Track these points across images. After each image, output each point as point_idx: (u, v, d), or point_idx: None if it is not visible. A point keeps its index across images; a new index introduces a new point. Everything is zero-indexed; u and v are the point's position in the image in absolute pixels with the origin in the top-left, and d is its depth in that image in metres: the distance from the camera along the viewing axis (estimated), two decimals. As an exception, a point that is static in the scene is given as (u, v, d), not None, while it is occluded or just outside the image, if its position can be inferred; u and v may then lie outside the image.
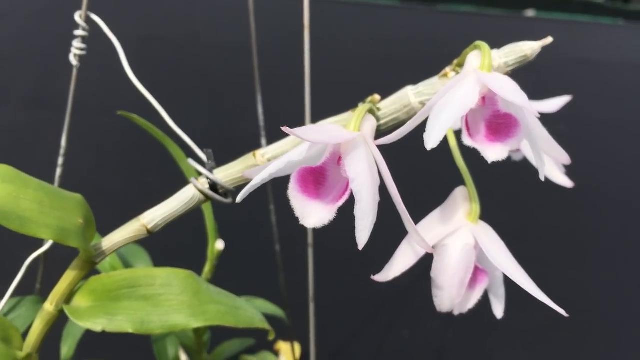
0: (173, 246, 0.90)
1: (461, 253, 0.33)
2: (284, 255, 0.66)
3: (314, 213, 0.30)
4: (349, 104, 0.41)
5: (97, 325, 0.39)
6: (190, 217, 0.56)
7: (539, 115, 0.30)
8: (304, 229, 0.34)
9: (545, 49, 0.39)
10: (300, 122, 0.52)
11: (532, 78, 0.61)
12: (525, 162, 0.42)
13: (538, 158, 0.30)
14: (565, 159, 0.33)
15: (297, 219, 0.31)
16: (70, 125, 0.49)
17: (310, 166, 0.31)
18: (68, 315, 0.39)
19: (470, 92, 0.30)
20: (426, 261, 0.36)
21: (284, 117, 0.49)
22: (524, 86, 0.36)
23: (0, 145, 1.57)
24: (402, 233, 0.34)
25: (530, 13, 4.25)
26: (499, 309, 0.37)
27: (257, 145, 0.65)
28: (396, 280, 0.36)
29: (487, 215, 0.37)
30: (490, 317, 0.39)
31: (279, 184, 0.40)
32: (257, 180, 0.31)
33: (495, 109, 0.30)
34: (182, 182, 0.47)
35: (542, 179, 0.30)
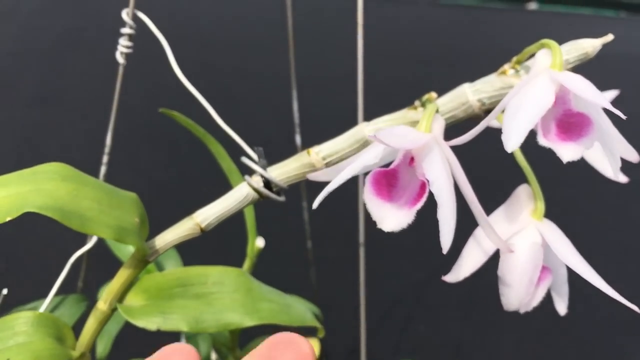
0: (204, 244, 0.90)
1: (529, 252, 0.33)
2: (316, 252, 0.66)
3: (391, 216, 0.30)
4: (398, 99, 0.41)
5: (152, 324, 0.39)
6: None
7: (624, 117, 0.29)
8: (334, 226, 0.34)
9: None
10: (335, 120, 0.52)
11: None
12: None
13: (612, 157, 0.30)
14: (635, 157, 0.33)
15: (327, 217, 0.31)
16: (113, 123, 0.49)
17: (383, 169, 0.31)
18: (122, 314, 0.39)
19: (545, 92, 0.29)
20: (446, 257, 0.36)
21: (318, 114, 0.49)
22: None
23: (11, 142, 1.56)
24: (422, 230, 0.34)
25: (532, 5, 4.24)
26: (562, 306, 0.37)
27: (292, 142, 0.65)
28: (410, 275, 0.36)
29: (551, 213, 0.37)
30: (507, 313, 0.38)
31: (312, 182, 0.40)
32: (334, 184, 0.31)
33: (567, 107, 0.30)
34: (221, 181, 0.47)
35: (620, 179, 0.29)
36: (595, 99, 0.28)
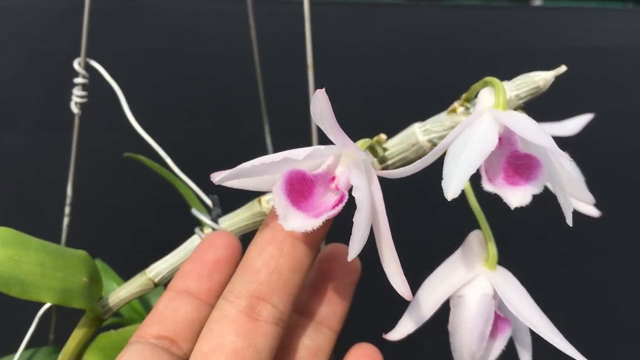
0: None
1: (479, 304, 0.31)
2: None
3: (295, 219, 0.28)
4: (359, 109, 0.39)
5: (108, 384, 0.38)
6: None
7: (569, 158, 0.27)
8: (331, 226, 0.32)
9: (553, 38, 0.37)
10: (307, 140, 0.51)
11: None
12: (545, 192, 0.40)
13: (564, 200, 0.28)
14: (591, 200, 0.31)
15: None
16: (76, 170, 0.48)
17: (303, 171, 0.29)
18: (78, 375, 0.39)
19: (488, 134, 0.28)
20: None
21: (292, 135, 0.47)
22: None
23: (11, 168, 1.57)
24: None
25: (537, 2, 4.20)
26: (526, 358, 0.35)
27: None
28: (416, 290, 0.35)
29: (506, 258, 0.35)
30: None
31: None
32: (240, 169, 0.29)
33: (513, 149, 0.28)
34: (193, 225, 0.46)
35: (570, 224, 0.27)
36: (539, 141, 0.26)
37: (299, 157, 0.29)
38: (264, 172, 0.30)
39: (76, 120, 0.45)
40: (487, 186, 0.28)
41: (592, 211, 0.40)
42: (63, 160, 0.52)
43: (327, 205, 0.29)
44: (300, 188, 0.29)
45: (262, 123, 0.57)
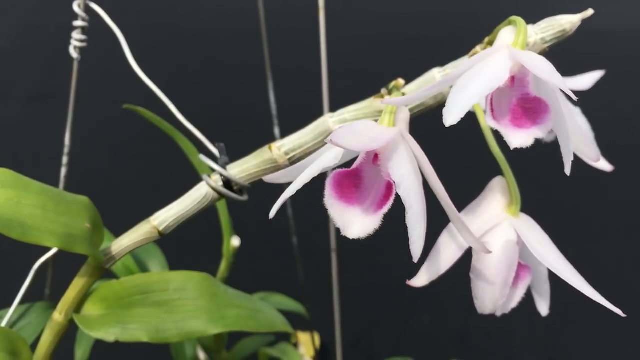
0: (190, 243, 0.87)
1: (503, 250, 0.30)
2: (302, 247, 0.63)
3: (356, 222, 0.27)
4: (368, 86, 0.38)
5: (110, 335, 0.37)
6: (207, 212, 0.54)
7: (575, 98, 0.27)
8: (321, 221, 0.31)
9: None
10: (315, 110, 0.49)
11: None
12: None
13: (565, 149, 0.27)
14: (595, 156, 0.30)
15: (313, 212, 0.28)
16: (75, 121, 0.46)
17: (345, 170, 0.28)
18: (79, 325, 0.37)
19: (500, 68, 0.27)
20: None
21: (297, 104, 0.46)
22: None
23: (4, 140, 1.54)
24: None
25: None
26: (543, 307, 0.34)
27: (271, 134, 0.63)
28: (416, 266, 0.33)
29: (529, 205, 0.34)
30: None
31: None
32: (291, 191, 0.28)
33: (525, 91, 0.28)
34: (195, 177, 0.44)
35: (568, 173, 0.27)
36: (550, 78, 0.25)
37: (337, 161, 0.28)
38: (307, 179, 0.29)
39: (75, 65, 0.44)
40: (490, 122, 0.27)
41: (605, 166, 0.39)
42: (57, 130, 0.50)
43: (380, 192, 0.28)
44: (349, 183, 0.28)
45: (266, 79, 0.55)
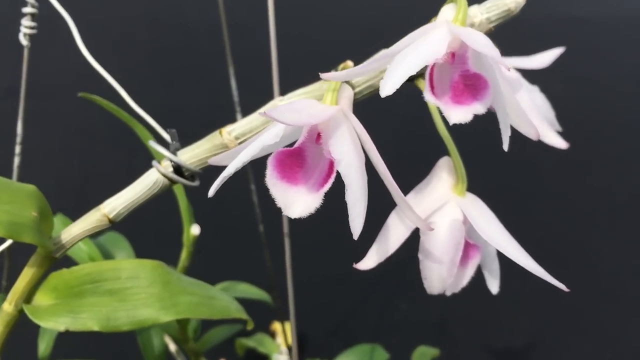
0: (158, 233, 0.87)
1: (449, 230, 0.30)
2: (269, 235, 0.63)
3: (298, 201, 0.27)
4: (321, 71, 0.37)
5: (60, 324, 0.36)
6: (174, 200, 0.53)
7: (511, 71, 0.27)
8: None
9: (532, 7, 0.36)
10: (271, 96, 0.49)
11: (519, 41, 0.58)
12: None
13: (503, 125, 0.28)
14: (535, 134, 0.30)
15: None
16: (27, 111, 0.46)
17: (287, 148, 0.28)
18: (28, 315, 0.37)
19: (437, 42, 0.27)
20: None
21: (258, 90, 0.45)
22: (511, 49, 0.32)
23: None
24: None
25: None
26: (494, 285, 0.34)
27: (234, 121, 0.62)
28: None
29: (475, 185, 0.34)
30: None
31: (258, 162, 0.37)
32: (230, 170, 0.28)
33: (465, 68, 0.28)
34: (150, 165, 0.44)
35: (505, 149, 0.27)
36: (487, 50, 0.25)
37: (277, 138, 0.28)
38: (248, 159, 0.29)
39: (25, 53, 0.43)
40: (428, 97, 0.28)
41: (559, 143, 0.39)
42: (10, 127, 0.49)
43: (323, 171, 0.28)
44: (292, 162, 0.28)
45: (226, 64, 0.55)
